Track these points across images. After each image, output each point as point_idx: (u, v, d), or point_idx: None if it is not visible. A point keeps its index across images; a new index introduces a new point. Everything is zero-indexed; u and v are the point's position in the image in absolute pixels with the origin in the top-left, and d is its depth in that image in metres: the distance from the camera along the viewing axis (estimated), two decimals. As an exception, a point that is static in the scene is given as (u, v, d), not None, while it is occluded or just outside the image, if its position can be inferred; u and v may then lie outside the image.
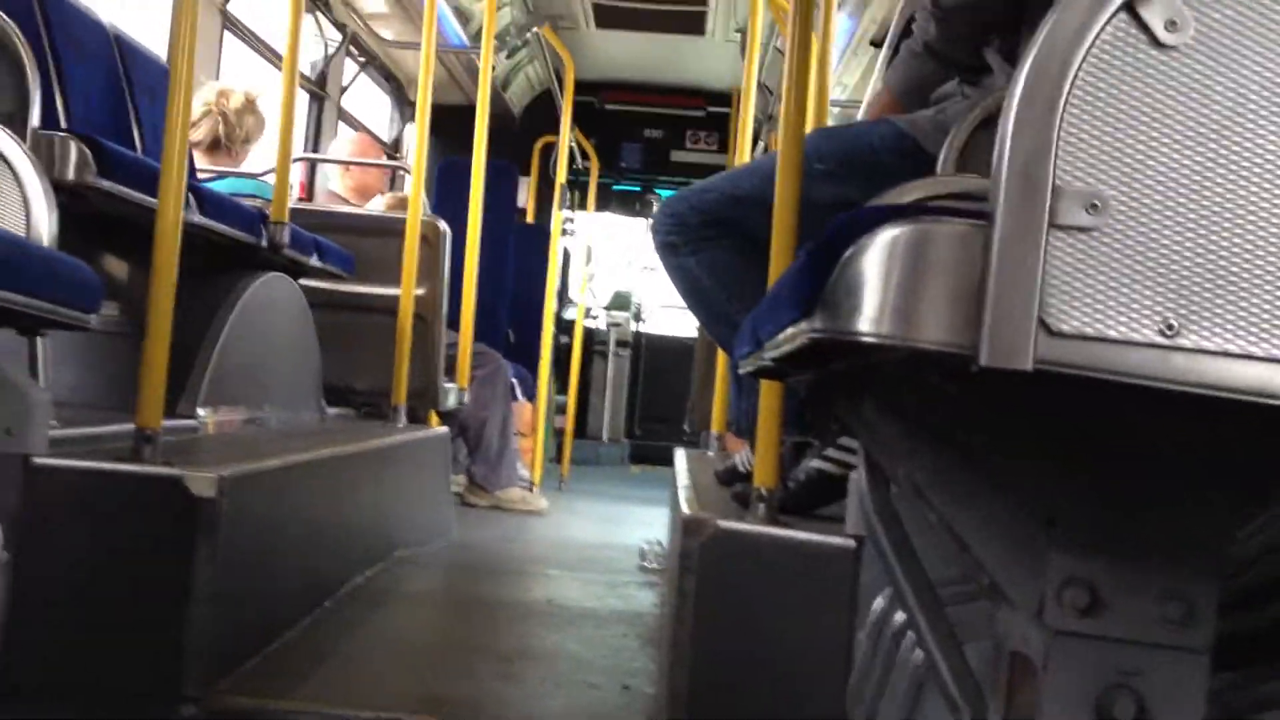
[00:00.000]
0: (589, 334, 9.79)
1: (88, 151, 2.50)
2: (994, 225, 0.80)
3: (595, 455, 9.74)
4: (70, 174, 2.45)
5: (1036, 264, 0.80)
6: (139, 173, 2.64)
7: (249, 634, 2.59)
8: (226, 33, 5.52)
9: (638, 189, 10.54)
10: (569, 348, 8.62)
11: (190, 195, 2.84)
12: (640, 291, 10.86)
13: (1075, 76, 0.80)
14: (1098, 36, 0.80)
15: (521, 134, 9.18)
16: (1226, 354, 0.81)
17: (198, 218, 2.91)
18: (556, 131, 7.69)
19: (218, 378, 3.16)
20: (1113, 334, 0.81)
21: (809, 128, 3.02)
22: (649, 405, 10.35)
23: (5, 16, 2.44)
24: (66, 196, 2.42)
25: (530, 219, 8.98)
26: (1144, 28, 0.80)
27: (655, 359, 10.44)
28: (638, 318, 10.78)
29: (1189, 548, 1.03)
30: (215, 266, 3.38)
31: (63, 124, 2.86)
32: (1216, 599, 1.03)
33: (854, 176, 2.43)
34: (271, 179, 3.99)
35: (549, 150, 8.48)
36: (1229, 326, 0.81)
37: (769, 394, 2.23)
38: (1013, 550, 1.07)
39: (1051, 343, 0.81)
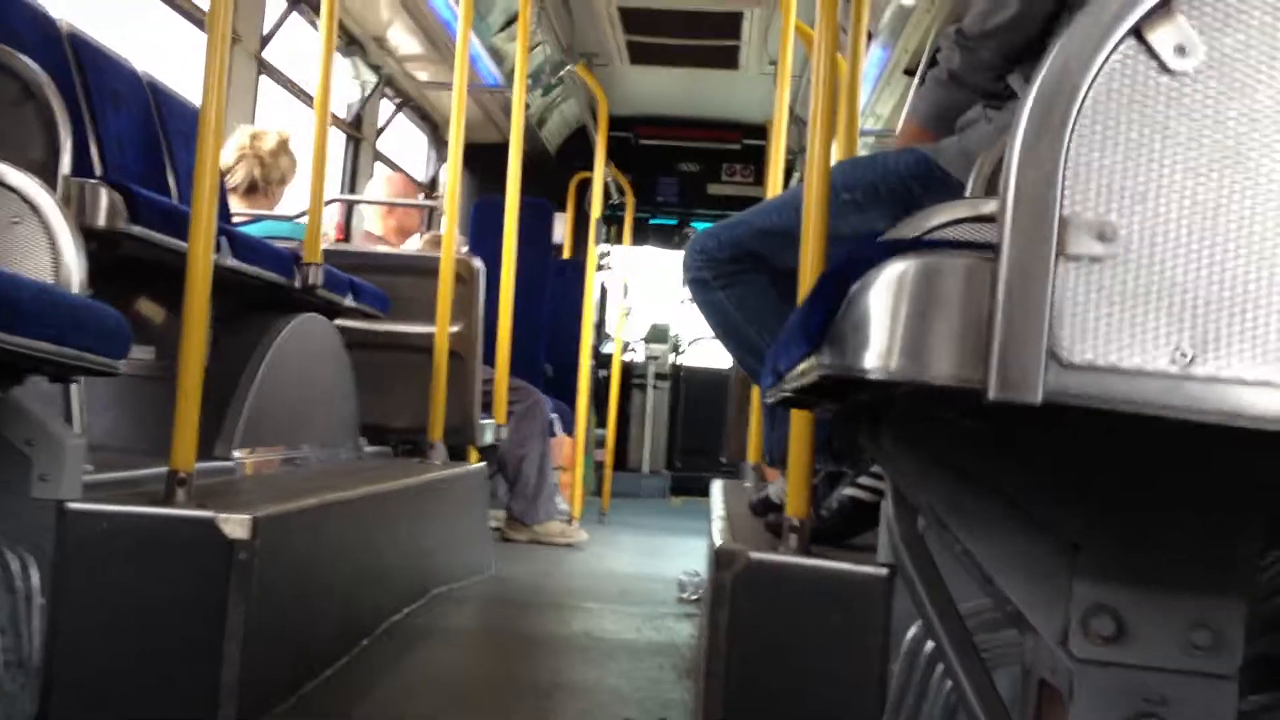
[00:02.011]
0: (627, 367, 9.79)
1: (119, 198, 2.52)
2: (1001, 257, 0.79)
3: (636, 488, 9.72)
4: (102, 221, 2.46)
5: (1045, 295, 0.79)
6: (171, 218, 2.65)
7: (285, 674, 2.59)
8: (264, 77, 5.58)
9: (674, 222, 10.56)
10: (608, 381, 8.62)
11: (222, 238, 2.86)
12: (678, 324, 10.85)
13: (1082, 103, 0.79)
14: (1105, 62, 0.79)
15: (558, 170, 9.23)
16: (1242, 382, 0.79)
17: (230, 260, 2.93)
18: (592, 167, 7.72)
19: (253, 419, 3.18)
20: (1125, 364, 0.79)
21: (840, 158, 3.02)
22: (689, 437, 10.32)
23: (35, 65, 2.46)
24: (99, 243, 2.44)
25: (567, 254, 9.01)
26: (1152, 54, 0.79)
27: (694, 391, 10.42)
28: (676, 350, 10.76)
29: (1215, 574, 1.01)
30: (251, 309, 3.40)
31: (97, 171, 2.88)
32: (1244, 625, 1.01)
33: (881, 206, 2.42)
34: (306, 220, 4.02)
35: (585, 186, 8.51)
36: (1245, 354, 0.79)
37: (799, 424, 2.22)
38: (1036, 579, 1.05)
39: (1062, 374, 0.79)
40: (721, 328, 2.70)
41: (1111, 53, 0.79)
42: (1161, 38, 0.79)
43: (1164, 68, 0.79)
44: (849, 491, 2.40)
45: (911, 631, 1.83)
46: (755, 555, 2.17)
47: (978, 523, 1.06)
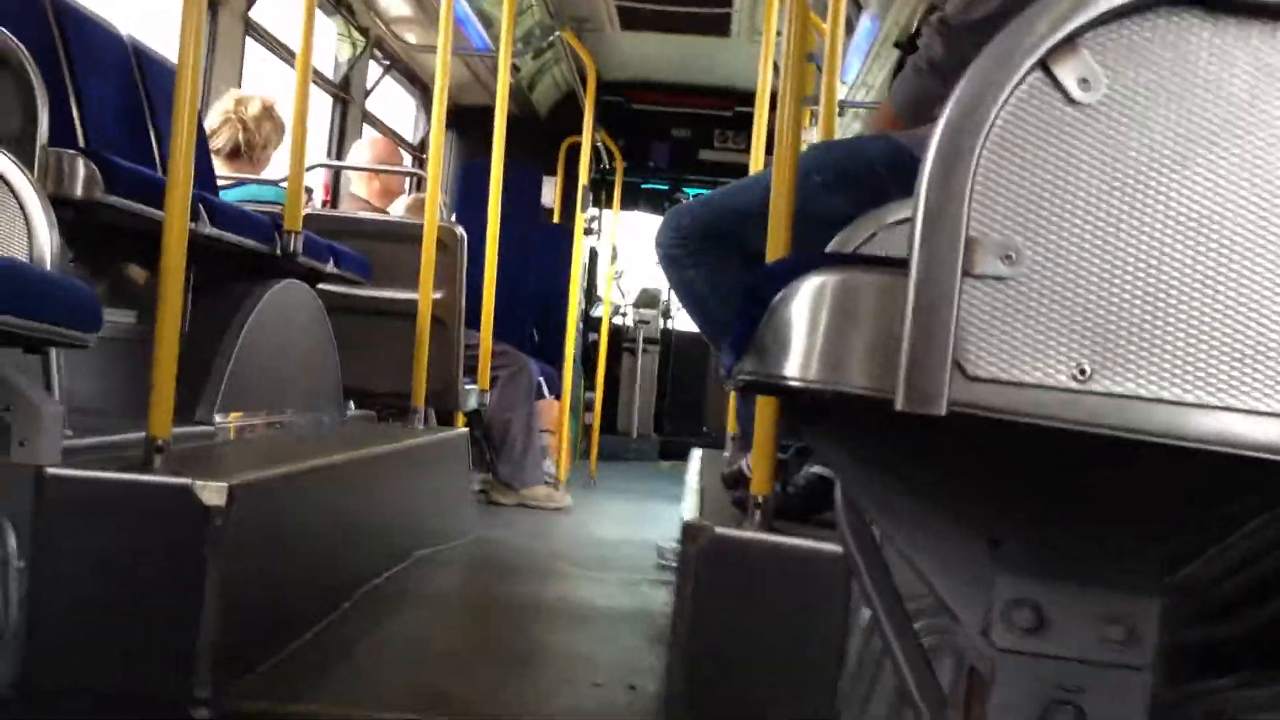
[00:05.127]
0: (617, 331, 9.83)
1: (95, 168, 2.53)
2: (911, 274, 0.83)
3: (625, 451, 9.77)
4: (77, 191, 2.48)
5: (951, 311, 0.83)
6: (148, 186, 2.67)
7: (263, 638, 2.64)
8: (254, 43, 5.57)
9: (666, 188, 10.58)
10: (597, 345, 8.67)
11: (200, 206, 2.88)
12: (668, 289, 10.86)
13: (989, 130, 0.83)
14: (1012, 92, 0.83)
15: (548, 135, 9.22)
16: (1137, 398, 0.84)
17: (207, 229, 2.95)
18: (582, 132, 7.73)
19: (234, 384, 3.22)
20: (1027, 378, 0.84)
21: (821, 134, 3.04)
22: (678, 402, 10.37)
23: (11, 35, 2.45)
24: (75, 212, 2.47)
25: (557, 219, 9.03)
26: (1057, 85, 0.83)
27: (684, 356, 10.46)
28: (666, 315, 10.80)
29: (1129, 571, 1.06)
30: (232, 276, 3.44)
31: (77, 140, 2.90)
32: (1157, 620, 1.06)
33: (850, 190, 2.45)
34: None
35: (576, 151, 8.52)
36: (1141, 372, 0.84)
37: (764, 402, 2.27)
38: (960, 572, 1.10)
39: (967, 386, 0.84)
40: (693, 305, 2.73)
41: (1020, 82, 0.83)
42: (1066, 70, 0.83)
43: (1068, 99, 0.83)
44: (814, 469, 2.44)
45: (866, 610, 1.88)
46: (720, 530, 2.23)
47: (906, 518, 1.11)
